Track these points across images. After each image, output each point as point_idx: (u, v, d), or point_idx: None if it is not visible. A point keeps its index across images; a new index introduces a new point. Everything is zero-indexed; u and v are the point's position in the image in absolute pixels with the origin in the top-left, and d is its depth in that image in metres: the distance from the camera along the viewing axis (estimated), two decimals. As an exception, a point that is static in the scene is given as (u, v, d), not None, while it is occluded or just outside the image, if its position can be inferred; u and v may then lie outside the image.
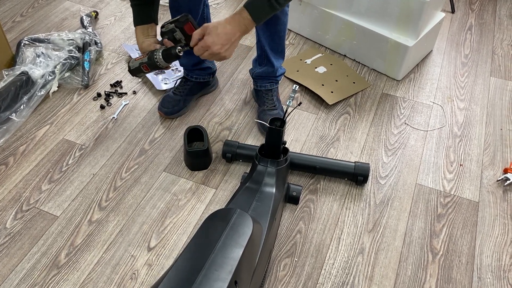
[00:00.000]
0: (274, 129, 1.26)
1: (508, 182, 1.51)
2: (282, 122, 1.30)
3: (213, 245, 0.82)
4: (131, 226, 1.39)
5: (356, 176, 1.48)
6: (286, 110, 1.29)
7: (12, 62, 1.85)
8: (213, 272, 0.75)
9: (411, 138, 1.68)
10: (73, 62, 1.85)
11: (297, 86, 1.27)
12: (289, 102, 1.28)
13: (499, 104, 1.83)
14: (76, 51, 1.89)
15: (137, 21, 1.37)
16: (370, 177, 1.54)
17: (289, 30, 2.17)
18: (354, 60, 2.01)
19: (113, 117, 1.72)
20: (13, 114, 1.66)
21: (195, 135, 1.58)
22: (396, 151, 1.63)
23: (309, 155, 1.55)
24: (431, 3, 1.72)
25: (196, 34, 1.22)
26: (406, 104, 1.82)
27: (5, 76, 1.72)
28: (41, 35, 1.97)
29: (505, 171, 1.55)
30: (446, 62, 2.02)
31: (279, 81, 1.73)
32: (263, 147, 1.33)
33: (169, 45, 1.28)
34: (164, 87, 1.83)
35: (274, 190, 1.21)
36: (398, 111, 1.78)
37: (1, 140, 1.61)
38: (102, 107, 1.76)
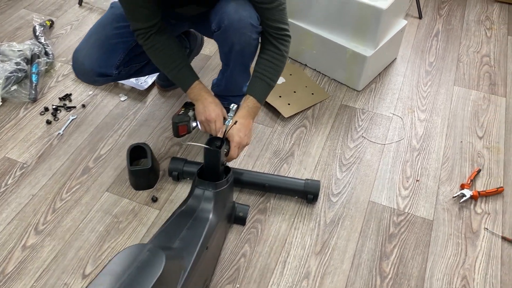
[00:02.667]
0: (211, 151, 1.20)
1: (464, 198, 1.46)
2: (222, 142, 1.24)
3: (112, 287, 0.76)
4: (67, 252, 1.32)
5: (306, 194, 1.43)
6: (226, 131, 1.22)
7: (-45, 76, 1.77)
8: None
9: (368, 152, 1.62)
10: (20, 75, 1.78)
11: (235, 105, 1.21)
12: (228, 121, 1.22)
13: (461, 114, 1.77)
14: (24, 63, 1.81)
15: (195, 77, 1.38)
16: (321, 195, 1.48)
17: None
18: (315, 70, 1.94)
19: (59, 133, 1.65)
20: (-48, 132, 1.59)
21: (143, 151, 1.52)
22: (351, 166, 1.58)
23: (258, 172, 1.49)
24: (389, 11, 1.66)
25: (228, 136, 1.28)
26: (365, 116, 1.76)
27: None
28: (-11, 46, 1.90)
29: (462, 186, 1.50)
30: (410, 70, 1.97)
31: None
32: (202, 169, 1.27)
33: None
34: (146, 86, 1.80)
35: (210, 215, 1.15)
36: (356, 124, 1.73)
37: None
38: (48, 122, 1.69)
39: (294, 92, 1.82)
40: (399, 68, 1.98)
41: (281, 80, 1.86)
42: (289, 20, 1.83)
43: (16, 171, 1.53)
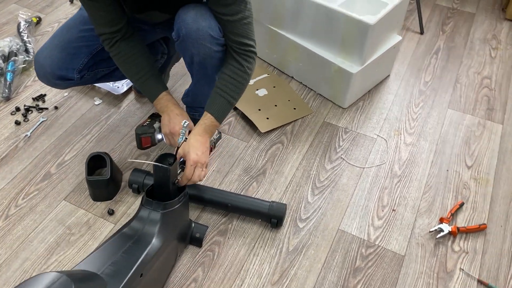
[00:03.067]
0: (160, 168, 1.12)
1: (441, 234, 1.35)
2: (174, 159, 1.16)
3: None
4: (13, 262, 1.26)
5: (270, 217, 1.34)
6: (178, 148, 1.15)
7: None
8: None
9: (344, 175, 1.52)
10: (-6, 72, 1.74)
11: (187, 122, 1.13)
12: (180, 139, 1.14)
13: (451, 140, 1.65)
14: (1, 61, 1.77)
15: (162, 88, 1.32)
16: (288, 219, 1.39)
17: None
18: (301, 83, 1.85)
19: (26, 135, 1.60)
20: None
21: (105, 160, 1.45)
22: (324, 189, 1.48)
23: (222, 191, 1.40)
24: (378, 26, 1.55)
25: (178, 155, 1.20)
26: (347, 135, 1.66)
27: None
28: (-31, 41, 1.87)
29: (441, 220, 1.39)
30: (402, 89, 1.86)
31: None
32: (153, 186, 1.19)
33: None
34: (123, 90, 1.74)
35: (153, 239, 1.07)
36: (337, 143, 1.63)
37: None
38: (17, 123, 1.64)
39: (275, 105, 1.73)
40: (391, 86, 1.87)
41: (263, 92, 1.78)
42: (277, 30, 1.78)
43: (-24, 172, 1.49)
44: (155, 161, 1.14)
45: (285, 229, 1.37)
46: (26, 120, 1.65)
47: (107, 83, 1.74)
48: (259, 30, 1.85)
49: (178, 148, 1.14)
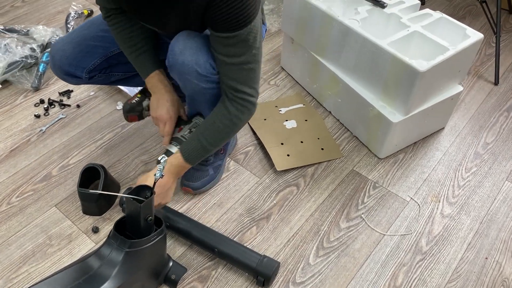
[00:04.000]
0: (131, 202, 1.00)
1: None
2: (151, 193, 1.03)
3: None
4: (-15, 263, 1.22)
5: (257, 274, 1.17)
6: (154, 183, 1.02)
7: (-25, 49, 1.78)
8: None
9: (359, 239, 1.31)
10: (30, 61, 1.73)
11: (165, 158, 1.00)
12: (158, 174, 1.02)
13: (501, 222, 1.37)
14: (39, 51, 1.77)
15: (155, 65, 1.22)
16: (279, 279, 1.21)
17: (281, 68, 1.87)
18: (338, 120, 1.65)
19: (41, 130, 1.57)
20: None
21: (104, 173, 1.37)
22: (331, 252, 1.28)
23: (213, 231, 1.26)
24: (430, 74, 1.32)
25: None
26: (375, 191, 1.44)
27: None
28: (18, 26, 1.89)
29: (463, 322, 1.14)
30: (455, 148, 1.59)
31: (227, 145, 1.45)
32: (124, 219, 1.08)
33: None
34: None
35: (106, 282, 0.96)
36: (361, 199, 1.41)
37: None
38: (37, 116, 1.62)
39: (301, 142, 1.55)
40: (442, 142, 1.61)
41: (291, 124, 1.61)
42: (319, 58, 1.60)
43: (-17, 160, 1.48)
44: (132, 193, 1.02)
45: (274, 290, 1.20)
46: (46, 114, 1.63)
47: (132, 88, 1.67)
48: (302, 56, 1.69)
49: (155, 183, 1.02)
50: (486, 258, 1.28)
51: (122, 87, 1.69)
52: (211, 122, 1.12)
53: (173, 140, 1.27)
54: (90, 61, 1.28)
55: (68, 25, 1.93)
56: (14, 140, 1.54)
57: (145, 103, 1.32)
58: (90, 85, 1.62)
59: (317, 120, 1.64)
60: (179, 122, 1.29)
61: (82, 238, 1.28)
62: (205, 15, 0.99)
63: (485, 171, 1.51)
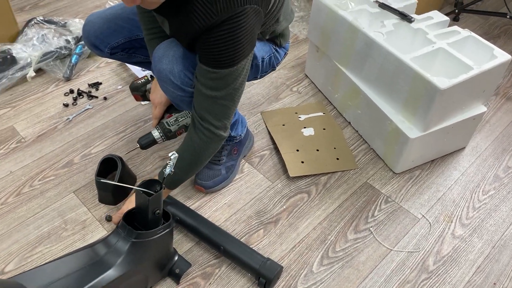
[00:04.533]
0: (141, 195, 1.04)
1: None
2: (160, 187, 1.07)
3: None
4: (3, 241, 1.28)
5: (259, 276, 1.19)
6: (164, 178, 1.05)
7: (15, 38, 1.87)
8: None
9: (365, 252, 1.31)
10: (63, 52, 1.81)
11: (176, 154, 1.03)
12: (168, 170, 1.05)
13: (514, 248, 1.34)
14: (73, 42, 1.85)
15: None
16: (281, 283, 1.22)
17: (305, 75, 1.88)
18: (357, 131, 1.65)
19: (68, 118, 1.64)
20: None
21: (122, 164, 1.42)
22: (335, 262, 1.28)
23: (220, 230, 1.28)
24: (451, 93, 1.31)
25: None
26: (387, 206, 1.43)
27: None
28: (56, 18, 1.98)
29: None
30: (474, 169, 1.56)
31: (237, 142, 1.46)
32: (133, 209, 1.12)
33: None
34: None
35: (110, 269, 1.00)
36: (371, 212, 1.41)
37: (-40, 110, 1.63)
38: (65, 105, 1.69)
39: (317, 150, 1.56)
40: (461, 162, 1.58)
41: (309, 131, 1.62)
42: (342, 68, 1.60)
43: (12, 143, 1.55)
44: (142, 186, 1.06)
45: (274, 294, 1.21)
46: (74, 104, 1.70)
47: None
48: (326, 64, 1.70)
49: (164, 178, 1.05)
50: (495, 283, 1.25)
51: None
52: (180, 154, 1.12)
53: (158, 124, 1.32)
54: (114, 39, 1.34)
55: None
56: (42, 126, 1.62)
57: (149, 86, 1.39)
58: (116, 77, 1.68)
59: (336, 129, 1.65)
60: (171, 109, 1.33)
61: (96, 225, 1.33)
62: (195, 42, 1.03)
63: (503, 195, 1.48)
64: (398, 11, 1.52)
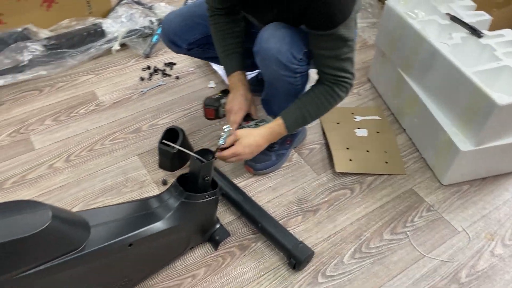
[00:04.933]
0: (195, 161, 1.15)
1: None
2: (212, 157, 1.18)
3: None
4: (72, 187, 1.46)
5: (290, 256, 1.26)
6: (216, 150, 1.16)
7: (107, 14, 2.08)
8: None
9: (398, 253, 1.33)
10: (146, 31, 2.00)
11: (229, 128, 1.13)
12: (221, 141, 1.15)
13: (557, 277, 1.30)
14: (156, 23, 2.02)
15: (238, 67, 1.37)
16: (311, 268, 1.29)
17: (367, 79, 1.92)
18: (410, 139, 1.67)
19: (142, 91, 1.81)
20: (71, 55, 1.88)
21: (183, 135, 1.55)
22: (367, 257, 1.32)
23: (262, 209, 1.37)
24: (508, 110, 1.30)
25: (230, 138, 1.25)
26: (428, 214, 1.44)
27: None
28: (144, 0, 2.17)
29: None
30: (528, 193, 1.52)
31: (293, 134, 1.54)
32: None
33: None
34: None
35: (159, 222, 1.12)
36: (411, 217, 1.43)
37: (53, 71, 1.85)
38: (141, 78, 1.86)
39: (367, 151, 1.60)
40: (515, 184, 1.55)
41: (362, 132, 1.66)
42: (404, 75, 1.63)
43: (92, 105, 1.75)
44: (197, 153, 1.18)
45: (303, 276, 1.27)
46: (149, 79, 1.87)
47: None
48: (389, 70, 1.73)
49: (217, 149, 1.16)
50: (528, 307, 1.23)
51: (216, 68, 1.88)
52: (312, 96, 1.24)
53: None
54: (192, 35, 1.47)
55: (186, 3, 2.17)
56: (119, 94, 1.80)
57: (222, 101, 1.44)
58: (190, 60, 1.82)
59: (389, 134, 1.67)
60: (248, 118, 1.39)
61: (152, 187, 1.47)
62: (304, 15, 1.12)
63: (554, 224, 1.43)
64: (469, 25, 1.52)
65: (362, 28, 2.26)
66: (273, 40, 1.18)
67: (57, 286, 0.98)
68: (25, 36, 1.83)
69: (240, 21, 1.38)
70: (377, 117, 1.74)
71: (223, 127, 1.16)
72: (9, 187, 1.45)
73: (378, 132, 1.67)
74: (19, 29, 1.85)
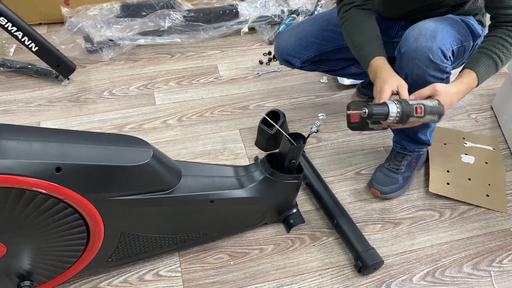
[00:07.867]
0: (286, 142, 1.20)
1: None
2: (303, 141, 1.21)
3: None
4: (178, 144, 1.62)
5: (357, 258, 1.25)
6: (309, 135, 1.19)
7: (245, -2, 2.23)
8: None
9: (474, 290, 1.24)
10: (276, 19, 2.09)
11: (323, 116, 1.15)
12: (314, 128, 1.18)
13: None
14: (287, 13, 2.11)
15: (376, 53, 1.22)
16: (377, 276, 1.26)
17: (490, 107, 1.79)
18: (523, 179, 1.52)
19: (258, 73, 1.91)
20: (204, 29, 2.06)
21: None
22: (439, 284, 1.25)
23: (341, 207, 1.37)
24: None
25: (425, 91, 1.13)
26: (521, 260, 1.31)
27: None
28: (283, -9, 2.28)
29: None
30: None
31: (420, 154, 1.48)
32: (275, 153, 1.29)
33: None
34: (346, 82, 1.85)
35: (240, 189, 1.19)
36: (500, 259, 1.31)
37: (186, 40, 2.05)
38: (260, 62, 1.97)
39: (469, 179, 1.50)
40: None
41: (469, 159, 1.56)
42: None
43: (211, 78, 1.90)
44: (290, 135, 1.23)
45: (367, 281, 1.26)
46: (267, 64, 1.97)
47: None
48: (516, 101, 1.60)
49: (309, 134, 1.19)
50: None
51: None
52: (495, 39, 1.14)
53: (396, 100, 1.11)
54: (306, 53, 1.52)
55: (318, 4, 2.23)
56: (237, 72, 1.93)
57: (370, 109, 1.09)
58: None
59: (499, 168, 1.55)
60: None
61: (245, 161, 1.57)
62: None
63: None
64: None
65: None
66: (423, 38, 1.14)
67: (141, 218, 1.11)
68: (170, 5, 2.05)
69: (371, 14, 1.33)
70: (490, 148, 1.61)
71: (318, 115, 1.19)
72: (127, 130, 1.66)
73: (486, 163, 1.56)
74: (168, -2, 2.08)
